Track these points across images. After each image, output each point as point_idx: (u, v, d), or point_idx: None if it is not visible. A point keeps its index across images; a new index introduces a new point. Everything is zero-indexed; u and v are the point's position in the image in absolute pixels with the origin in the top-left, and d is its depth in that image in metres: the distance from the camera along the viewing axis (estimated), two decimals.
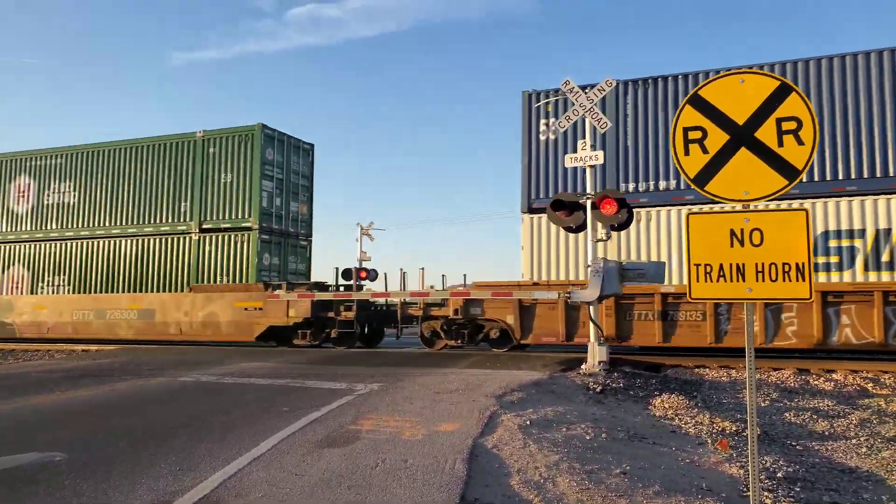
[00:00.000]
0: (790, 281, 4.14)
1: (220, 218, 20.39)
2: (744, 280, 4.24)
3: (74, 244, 22.27)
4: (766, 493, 4.95)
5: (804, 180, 13.69)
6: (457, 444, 5.96)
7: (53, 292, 22.12)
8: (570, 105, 12.13)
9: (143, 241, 21.28)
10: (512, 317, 15.03)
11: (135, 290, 20.77)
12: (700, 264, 4.33)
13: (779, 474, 5.55)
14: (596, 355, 11.55)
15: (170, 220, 21.05)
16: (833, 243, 15.63)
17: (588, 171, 12.05)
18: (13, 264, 23.08)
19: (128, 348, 18.24)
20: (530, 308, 14.96)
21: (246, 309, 17.69)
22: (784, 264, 4.15)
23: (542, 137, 18.25)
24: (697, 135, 4.47)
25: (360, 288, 17.70)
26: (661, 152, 17.14)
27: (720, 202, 4.45)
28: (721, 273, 4.29)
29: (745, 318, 4.37)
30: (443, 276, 17.64)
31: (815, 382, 11.05)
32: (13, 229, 23.52)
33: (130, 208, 21.65)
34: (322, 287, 17.87)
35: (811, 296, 4.10)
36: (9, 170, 23.89)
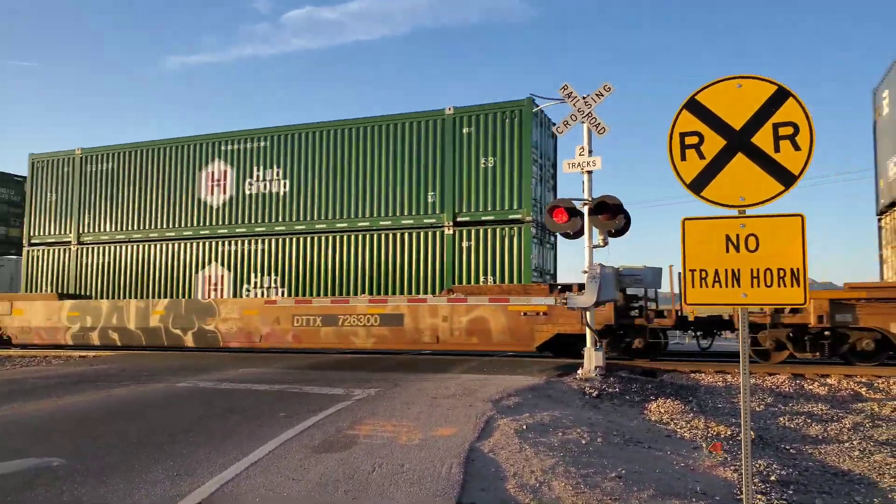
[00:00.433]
0: (785, 286, 4.18)
1: (481, 209, 17.25)
2: (739, 285, 4.28)
3: (287, 240, 19.08)
4: (759, 496, 4.98)
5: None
6: (453, 449, 5.98)
7: (263, 294, 18.99)
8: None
9: (380, 235, 18.10)
10: None
11: (366, 292, 17.81)
12: (695, 270, 4.36)
13: (772, 477, 5.58)
14: (592, 360, 11.58)
15: (413, 213, 17.92)
16: None
17: (586, 176, 12.08)
18: (209, 263, 19.95)
19: (126, 354, 18.20)
20: None
21: (525, 314, 14.87)
22: (779, 270, 4.19)
23: None
24: (694, 140, 4.51)
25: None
26: None
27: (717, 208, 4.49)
28: (716, 278, 4.33)
29: (740, 324, 4.41)
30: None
31: (810, 387, 11.09)
32: (206, 223, 20.21)
33: (361, 198, 18.47)
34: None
35: (806, 301, 4.14)
36: (198, 156, 20.59)
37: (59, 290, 21.42)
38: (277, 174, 19.47)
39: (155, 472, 5.39)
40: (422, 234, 17.75)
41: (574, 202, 12.09)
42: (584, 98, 11.89)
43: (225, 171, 20.16)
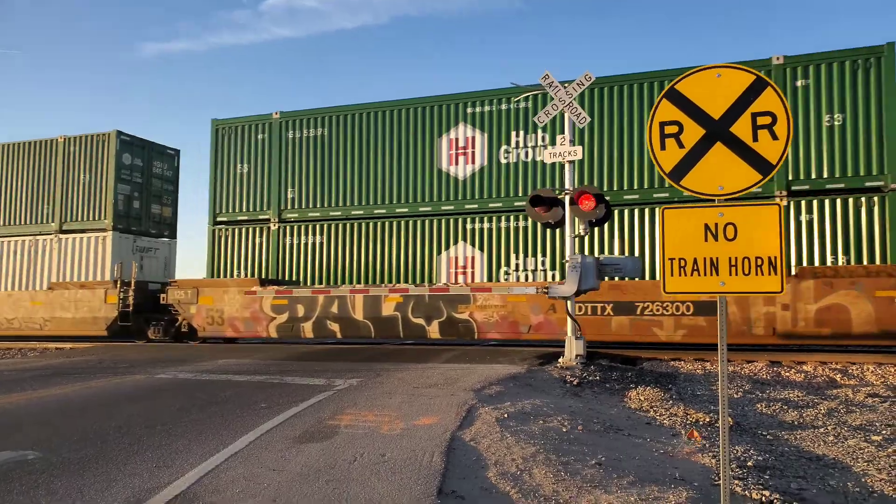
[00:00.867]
0: (762, 275, 4.21)
1: (825, 176, 14.81)
2: (717, 274, 4.31)
3: None
4: (736, 482, 5.04)
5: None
6: (435, 438, 6.00)
7: (528, 278, 16.71)
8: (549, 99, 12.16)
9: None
10: None
11: None
12: (674, 258, 4.39)
13: (749, 463, 5.66)
14: (573, 349, 11.64)
15: None
16: None
17: (567, 166, 12.11)
18: (454, 242, 17.52)
19: (104, 346, 18.06)
20: None
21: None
22: (757, 258, 4.22)
23: None
24: (674, 129, 4.52)
25: None
26: None
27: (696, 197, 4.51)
28: (695, 267, 4.35)
29: (718, 312, 4.45)
30: None
31: (787, 374, 11.25)
32: (450, 197, 17.72)
33: None
34: None
35: (783, 289, 4.18)
36: (438, 119, 17.99)
37: (259, 275, 19.03)
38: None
39: (133, 463, 5.35)
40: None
41: (554, 192, 12.11)
42: (565, 87, 11.90)
43: (472, 138, 17.63)
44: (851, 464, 5.72)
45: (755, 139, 4.30)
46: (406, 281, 17.62)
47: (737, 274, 4.26)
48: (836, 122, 14.83)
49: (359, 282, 18.10)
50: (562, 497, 4.63)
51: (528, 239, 16.86)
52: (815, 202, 14.80)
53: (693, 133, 4.46)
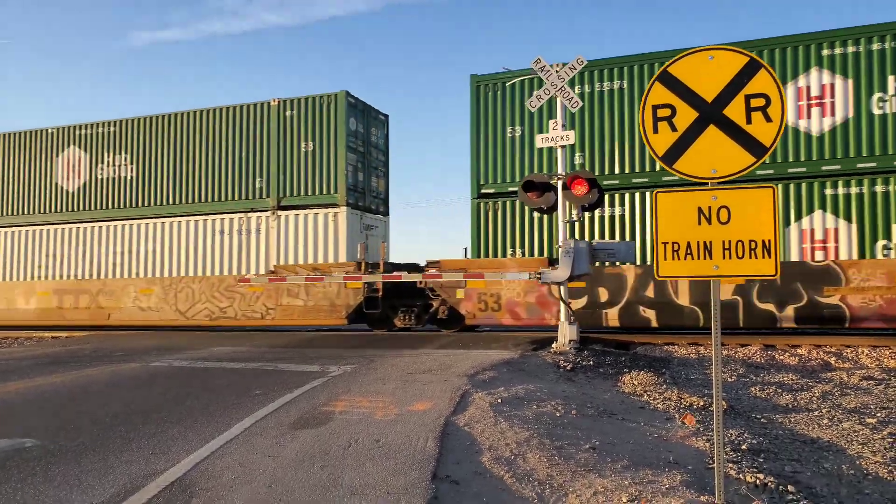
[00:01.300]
0: (756, 258, 4.21)
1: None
2: (711, 258, 4.31)
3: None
4: (730, 465, 5.06)
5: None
6: (429, 423, 6.01)
7: None
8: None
9: None
10: None
11: None
12: (668, 242, 4.39)
13: (743, 446, 5.68)
14: (566, 334, 11.66)
15: None
16: None
17: (559, 151, 12.08)
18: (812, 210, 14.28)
19: (100, 334, 18.02)
20: None
21: None
22: (751, 241, 4.22)
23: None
24: (666, 112, 4.51)
25: None
26: None
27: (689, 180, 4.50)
28: (689, 251, 4.35)
29: (712, 296, 4.45)
30: None
31: (781, 357, 11.29)
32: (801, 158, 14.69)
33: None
34: None
35: (777, 272, 4.18)
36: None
37: (541, 254, 16.23)
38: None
39: (129, 451, 5.35)
40: None
41: (547, 177, 12.10)
42: (557, 72, 11.85)
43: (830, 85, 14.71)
44: (846, 446, 5.75)
45: (748, 121, 4.29)
46: None
47: (730, 257, 4.25)
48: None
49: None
50: (556, 481, 4.65)
51: None
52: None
53: (686, 116, 4.44)
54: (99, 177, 20.19)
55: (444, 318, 16.10)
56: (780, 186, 14.21)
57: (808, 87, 14.54)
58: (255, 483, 4.55)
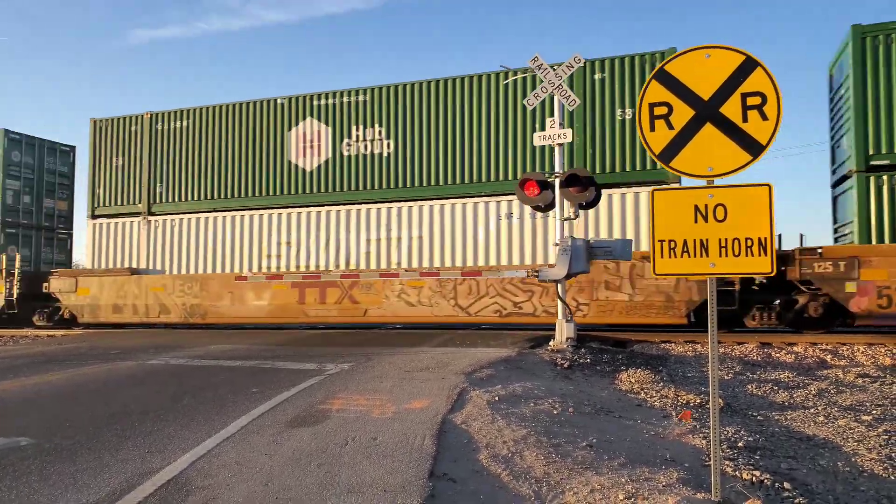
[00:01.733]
0: (753, 256, 4.22)
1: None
2: (707, 255, 4.31)
3: None
4: (727, 462, 5.07)
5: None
6: (426, 421, 6.01)
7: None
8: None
9: None
10: None
11: None
12: (664, 240, 4.39)
13: (740, 444, 5.69)
14: (564, 332, 11.67)
15: None
16: None
17: (557, 149, 12.08)
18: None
19: (96, 333, 17.98)
20: None
21: None
22: (747, 239, 4.23)
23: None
24: (663, 110, 4.51)
25: None
26: None
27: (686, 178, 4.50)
28: (685, 248, 4.36)
29: (708, 293, 4.45)
30: None
31: (777, 355, 11.31)
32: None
33: None
34: None
35: (773, 270, 4.19)
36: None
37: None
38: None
39: (126, 449, 5.35)
40: None
41: (544, 175, 12.10)
42: (554, 70, 11.85)
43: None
44: (842, 443, 5.76)
45: (745, 120, 4.29)
46: None
47: (727, 255, 4.26)
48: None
49: None
50: (553, 478, 4.65)
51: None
52: None
53: (683, 114, 4.44)
54: (344, 154, 17.56)
55: (817, 317, 13.83)
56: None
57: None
58: (251, 481, 4.55)
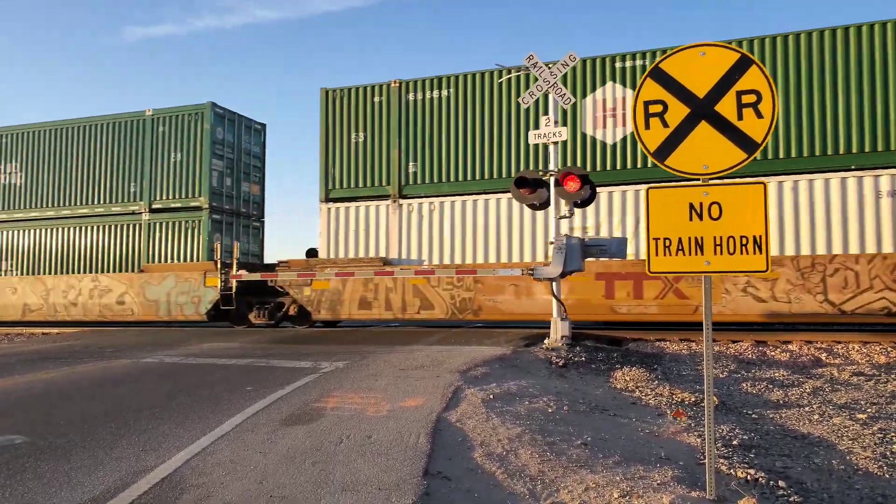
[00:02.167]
0: (748, 254, 4.22)
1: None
2: (702, 253, 4.31)
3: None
4: (721, 460, 5.07)
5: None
6: (421, 419, 6.00)
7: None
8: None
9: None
10: None
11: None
12: (659, 238, 4.39)
13: (734, 442, 5.70)
14: (559, 330, 11.67)
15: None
16: None
17: (552, 147, 12.08)
18: None
19: (90, 331, 17.94)
20: None
21: None
22: (742, 237, 4.23)
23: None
24: (658, 108, 4.51)
25: None
26: None
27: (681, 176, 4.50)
28: (680, 246, 4.36)
29: (703, 291, 4.46)
30: None
31: (772, 353, 11.33)
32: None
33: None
34: None
35: (768, 268, 4.19)
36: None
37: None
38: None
39: (120, 447, 5.33)
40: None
41: (540, 174, 12.10)
42: (549, 68, 11.85)
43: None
44: (836, 442, 5.78)
45: (740, 118, 4.29)
46: None
47: (722, 253, 4.26)
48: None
49: None
50: (547, 477, 4.65)
51: None
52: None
53: (678, 112, 4.44)
54: None
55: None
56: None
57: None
58: (246, 479, 4.54)
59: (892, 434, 5.90)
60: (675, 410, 6.92)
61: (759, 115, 4.25)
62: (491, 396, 6.98)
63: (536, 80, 11.98)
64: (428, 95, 16.87)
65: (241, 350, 11.62)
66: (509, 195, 14.72)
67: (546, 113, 12.26)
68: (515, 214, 15.79)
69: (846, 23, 11.19)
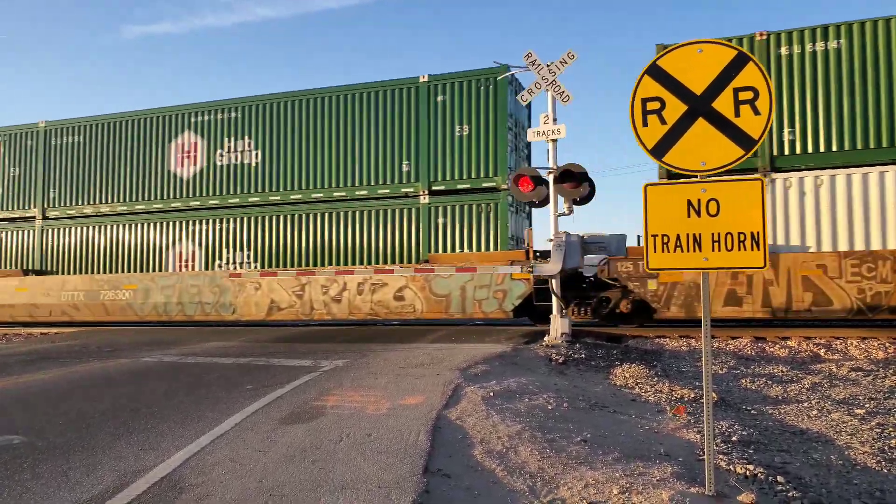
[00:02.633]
0: (745, 250, 4.22)
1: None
2: (700, 250, 4.32)
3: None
4: (721, 457, 5.08)
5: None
6: (421, 417, 6.01)
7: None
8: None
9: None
10: None
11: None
12: (657, 235, 4.39)
13: (734, 438, 5.71)
14: (558, 327, 11.68)
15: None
16: None
17: (551, 144, 12.08)
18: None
19: (89, 330, 17.92)
20: None
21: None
22: (740, 233, 4.23)
23: None
24: (656, 105, 4.51)
25: None
26: None
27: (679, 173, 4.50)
28: (678, 243, 4.36)
29: (702, 288, 4.46)
30: None
31: (771, 350, 11.34)
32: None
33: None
34: None
35: (766, 264, 4.19)
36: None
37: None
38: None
39: (119, 446, 5.33)
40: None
41: (539, 171, 12.10)
42: (548, 66, 11.84)
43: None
44: (835, 437, 5.79)
45: (737, 114, 4.29)
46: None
47: (720, 249, 4.26)
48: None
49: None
50: (547, 474, 4.65)
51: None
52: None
53: (675, 109, 4.44)
54: None
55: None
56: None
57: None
58: (245, 478, 4.54)
59: (890, 429, 5.91)
60: (675, 407, 6.93)
61: (756, 112, 4.26)
62: (491, 394, 6.99)
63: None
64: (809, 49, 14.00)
65: (240, 349, 11.62)
66: None
67: None
68: None
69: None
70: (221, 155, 18.63)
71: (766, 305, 12.92)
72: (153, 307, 17.90)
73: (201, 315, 17.46)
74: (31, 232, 20.39)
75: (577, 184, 11.62)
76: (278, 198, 18.00)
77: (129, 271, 19.16)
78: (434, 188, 16.64)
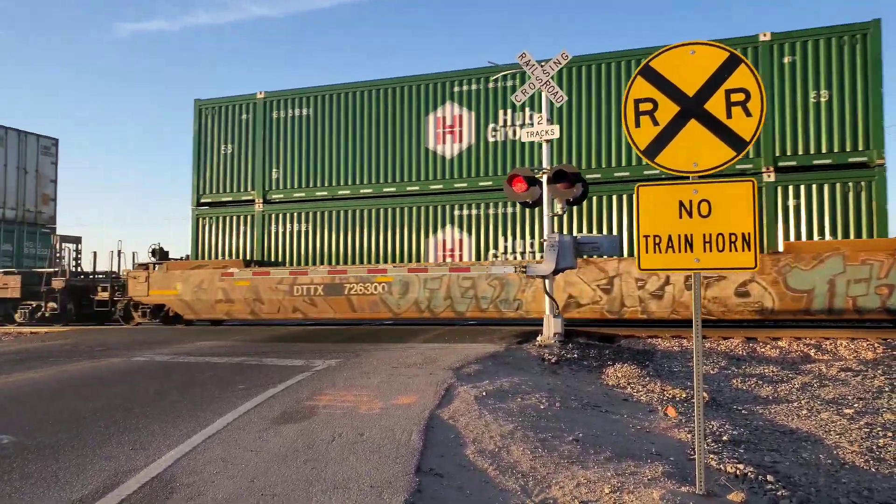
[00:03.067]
0: (736, 251, 4.25)
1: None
2: (692, 250, 4.34)
3: None
4: (711, 456, 5.11)
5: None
6: (413, 417, 6.01)
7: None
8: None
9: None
10: None
11: None
12: (649, 235, 4.42)
13: (724, 437, 5.74)
14: (551, 327, 11.70)
15: None
16: None
17: (545, 145, 12.10)
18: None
19: (80, 329, 17.84)
20: None
21: None
22: (731, 234, 4.26)
23: None
24: (648, 106, 4.53)
25: None
26: None
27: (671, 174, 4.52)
28: (669, 244, 4.38)
29: (693, 288, 4.48)
30: None
31: (762, 350, 11.39)
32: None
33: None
34: None
35: (756, 265, 4.22)
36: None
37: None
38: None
39: (109, 446, 5.32)
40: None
41: (532, 171, 12.12)
42: (542, 66, 11.86)
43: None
44: (824, 437, 5.82)
45: (729, 116, 4.32)
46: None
47: (711, 250, 4.29)
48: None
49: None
50: (539, 473, 4.67)
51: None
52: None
53: (667, 110, 4.46)
54: None
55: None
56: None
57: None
58: (237, 478, 4.53)
59: (879, 428, 5.96)
60: (666, 406, 6.96)
61: (748, 114, 4.28)
62: (483, 393, 7.00)
63: None
64: None
65: (233, 348, 11.59)
66: None
67: None
68: None
69: None
70: (494, 130, 16.43)
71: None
72: (413, 302, 15.83)
73: (475, 311, 15.41)
74: (251, 218, 18.38)
75: (570, 184, 11.64)
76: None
77: (373, 262, 16.96)
78: (781, 164, 14.41)
